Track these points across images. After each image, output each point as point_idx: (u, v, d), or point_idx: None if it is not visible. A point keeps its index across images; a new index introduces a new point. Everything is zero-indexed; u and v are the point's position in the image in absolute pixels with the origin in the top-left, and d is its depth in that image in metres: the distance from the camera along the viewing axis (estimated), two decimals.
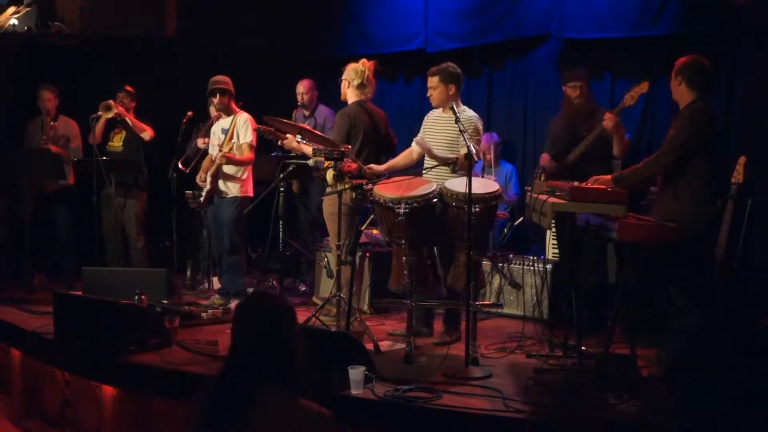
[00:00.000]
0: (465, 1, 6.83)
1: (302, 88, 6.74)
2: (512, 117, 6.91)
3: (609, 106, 5.97)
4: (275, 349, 2.28)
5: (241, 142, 5.63)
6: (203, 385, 2.35)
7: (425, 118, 5.03)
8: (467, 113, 4.77)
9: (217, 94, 5.63)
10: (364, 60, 5.30)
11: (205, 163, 5.78)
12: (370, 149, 5.26)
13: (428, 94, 4.86)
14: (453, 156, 4.67)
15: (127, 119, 6.56)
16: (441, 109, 4.88)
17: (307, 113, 6.74)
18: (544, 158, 5.34)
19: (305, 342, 2.37)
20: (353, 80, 5.26)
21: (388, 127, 5.57)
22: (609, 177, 4.25)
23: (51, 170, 6.42)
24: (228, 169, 5.65)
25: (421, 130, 5.02)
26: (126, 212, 6.66)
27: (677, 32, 5.69)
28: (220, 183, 5.66)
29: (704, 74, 4.22)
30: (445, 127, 4.82)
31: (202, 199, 5.75)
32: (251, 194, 5.75)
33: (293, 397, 2.23)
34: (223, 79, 5.66)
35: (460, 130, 4.35)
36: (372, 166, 5.07)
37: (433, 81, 4.80)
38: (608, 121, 4.74)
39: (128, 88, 6.69)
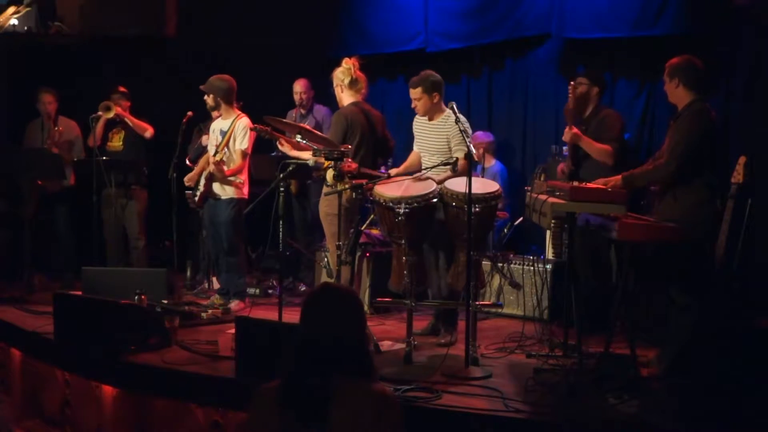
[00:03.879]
0: (465, 1, 6.83)
1: (299, 87, 6.73)
2: (512, 117, 6.91)
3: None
4: (346, 338, 2.28)
5: (236, 147, 5.59)
6: (271, 386, 2.32)
7: (414, 122, 5.04)
8: (452, 118, 4.79)
9: (204, 94, 5.64)
10: (345, 59, 5.34)
11: (202, 161, 5.77)
12: (367, 150, 5.27)
13: (413, 105, 4.88)
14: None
15: (127, 119, 6.56)
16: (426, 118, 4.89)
17: (303, 112, 6.74)
18: (558, 169, 5.31)
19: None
20: (343, 81, 5.29)
21: (385, 128, 5.58)
22: (620, 177, 4.26)
23: (51, 171, 6.43)
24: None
25: (415, 137, 5.03)
26: (127, 212, 6.65)
27: (677, 32, 5.68)
28: (216, 185, 5.63)
29: (699, 74, 4.22)
30: (435, 130, 4.83)
31: (196, 199, 5.74)
32: (247, 195, 5.73)
33: (366, 382, 2.24)
34: (211, 81, 5.62)
35: (460, 131, 4.36)
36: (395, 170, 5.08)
37: (416, 93, 4.81)
38: (566, 135, 4.78)
39: (122, 89, 6.68)
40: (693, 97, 4.20)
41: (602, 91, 5.25)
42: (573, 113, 5.16)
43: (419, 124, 4.99)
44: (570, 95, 5.16)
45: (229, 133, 5.58)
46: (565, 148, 5.63)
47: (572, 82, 5.18)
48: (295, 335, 2.36)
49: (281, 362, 2.39)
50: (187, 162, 6.32)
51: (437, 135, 4.82)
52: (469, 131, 4.84)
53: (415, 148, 5.10)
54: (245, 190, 5.71)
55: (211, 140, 5.75)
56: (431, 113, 4.84)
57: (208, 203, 5.72)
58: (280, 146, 5.50)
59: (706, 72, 4.27)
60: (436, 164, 4.71)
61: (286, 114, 6.78)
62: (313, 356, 2.26)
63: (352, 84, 5.29)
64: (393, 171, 5.13)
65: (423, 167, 4.90)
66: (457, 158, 4.57)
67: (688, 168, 4.09)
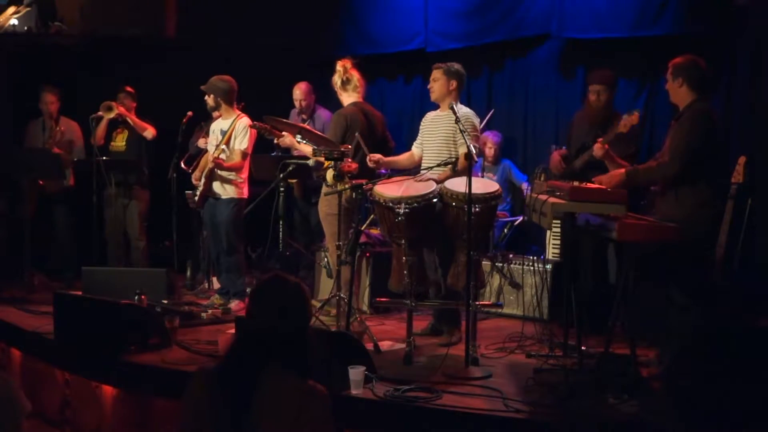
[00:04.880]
0: (465, 1, 6.83)
1: (299, 93, 6.59)
2: (512, 117, 6.91)
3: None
4: (289, 332, 2.29)
5: (236, 147, 5.58)
6: (208, 367, 2.36)
7: (423, 120, 5.04)
8: (463, 110, 4.77)
9: (205, 94, 5.65)
10: (338, 62, 5.39)
11: (203, 161, 5.78)
12: (366, 150, 5.27)
13: (429, 86, 4.89)
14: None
15: (129, 119, 6.56)
16: (438, 110, 4.88)
17: (305, 117, 6.65)
18: (554, 158, 5.28)
19: (313, 329, 2.39)
20: (337, 82, 5.36)
21: (384, 128, 5.59)
22: (623, 170, 4.25)
23: (52, 171, 6.43)
24: (223, 171, 5.60)
25: (419, 133, 5.03)
26: (129, 212, 6.66)
27: (677, 32, 5.68)
28: (216, 184, 5.62)
29: (702, 74, 4.22)
30: (441, 126, 4.83)
31: (196, 198, 5.74)
32: (247, 195, 5.73)
33: (294, 376, 2.25)
34: (212, 81, 5.62)
35: (460, 130, 4.36)
36: (374, 155, 5.03)
37: (436, 73, 4.83)
38: (598, 150, 4.65)
39: (128, 88, 6.70)
40: (695, 96, 4.20)
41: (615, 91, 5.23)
42: (595, 118, 5.07)
43: (428, 121, 4.97)
44: (593, 99, 5.08)
45: (229, 132, 5.57)
46: (553, 146, 5.63)
47: (591, 87, 5.11)
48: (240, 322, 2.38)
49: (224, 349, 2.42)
50: (182, 165, 6.29)
51: (444, 126, 4.81)
52: (476, 122, 4.84)
53: (414, 148, 5.08)
54: (245, 189, 5.71)
55: (211, 140, 5.75)
56: (443, 100, 4.83)
57: (208, 203, 5.72)
58: (281, 143, 5.50)
59: (708, 72, 4.28)
60: (438, 162, 4.71)
61: (288, 114, 6.77)
62: (250, 344, 2.29)
63: (345, 84, 5.33)
64: (387, 159, 5.10)
65: (424, 164, 4.90)
66: (457, 158, 4.57)
67: (690, 168, 4.09)
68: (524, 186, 6.42)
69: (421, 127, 5.05)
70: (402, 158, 5.14)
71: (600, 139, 4.64)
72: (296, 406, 2.20)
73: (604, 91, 5.08)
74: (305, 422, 2.19)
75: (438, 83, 4.81)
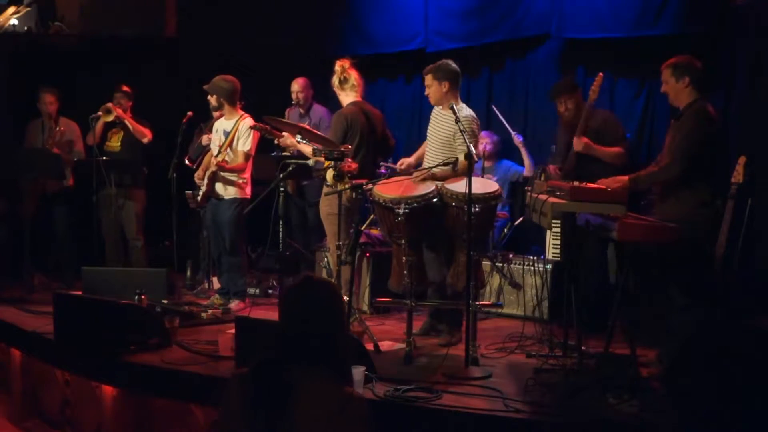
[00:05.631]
0: (465, 1, 6.83)
1: (297, 86, 6.72)
2: (512, 117, 6.89)
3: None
4: (323, 332, 2.28)
5: (240, 149, 5.58)
6: (243, 370, 2.35)
7: (432, 112, 5.06)
8: (464, 111, 4.77)
9: (208, 95, 5.65)
10: (336, 61, 5.41)
11: (206, 160, 5.78)
12: (367, 150, 5.28)
13: (426, 93, 4.91)
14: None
15: (127, 122, 6.56)
16: (441, 107, 4.89)
17: (302, 112, 6.73)
18: (551, 172, 5.32)
19: (348, 329, 2.39)
20: (335, 82, 5.38)
21: (385, 127, 5.59)
22: (626, 177, 4.26)
23: (52, 171, 6.43)
24: (226, 173, 5.61)
25: (430, 124, 5.05)
26: (125, 212, 6.66)
27: (677, 32, 5.68)
28: (219, 185, 5.63)
29: (701, 73, 4.23)
30: (442, 124, 4.83)
31: (199, 198, 5.74)
32: (249, 195, 5.73)
33: (332, 382, 2.24)
34: (215, 81, 5.62)
35: (460, 130, 4.35)
36: (404, 160, 5.17)
37: (427, 79, 4.84)
38: (576, 145, 4.82)
39: (125, 88, 6.69)
40: (696, 96, 4.20)
41: (580, 92, 5.39)
42: (572, 125, 5.19)
43: (433, 115, 4.99)
44: (562, 110, 5.29)
45: (233, 133, 5.57)
46: (553, 147, 5.66)
47: (559, 103, 5.32)
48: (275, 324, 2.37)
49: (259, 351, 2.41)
50: (186, 162, 6.32)
51: (444, 126, 4.81)
52: (477, 129, 4.85)
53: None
54: (248, 190, 5.71)
55: (214, 140, 5.76)
56: (442, 102, 4.84)
57: (210, 203, 5.72)
58: (282, 143, 5.50)
59: (705, 71, 4.28)
60: (437, 160, 4.71)
61: (284, 112, 6.78)
62: (284, 347, 2.28)
63: (343, 83, 5.34)
64: (405, 160, 5.16)
65: (425, 159, 4.90)
66: (457, 158, 4.57)
67: (691, 169, 4.09)
68: (518, 140, 6.45)
69: (431, 117, 5.07)
70: (421, 153, 5.14)
71: (575, 137, 4.75)
72: (334, 413, 2.18)
73: (567, 99, 5.28)
74: (343, 429, 2.18)
75: (432, 89, 4.83)
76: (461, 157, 4.54)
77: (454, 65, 4.83)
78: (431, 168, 4.74)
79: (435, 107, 4.98)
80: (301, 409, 2.18)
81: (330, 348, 2.29)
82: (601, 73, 4.91)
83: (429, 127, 5.00)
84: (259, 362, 2.30)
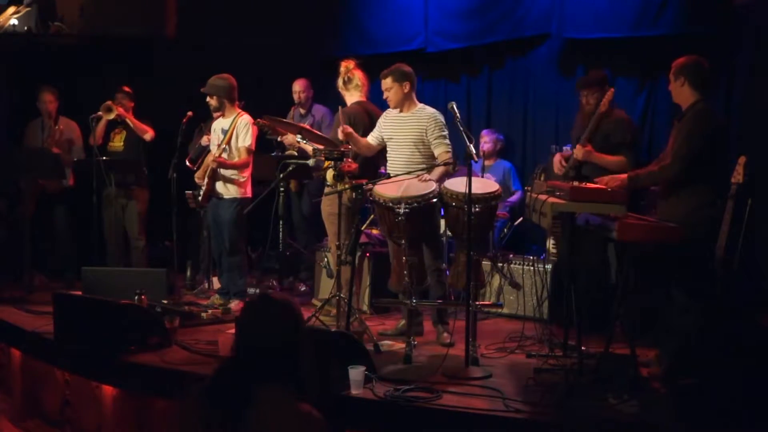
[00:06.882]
0: (465, 1, 6.83)
1: (298, 86, 6.73)
2: (512, 117, 6.91)
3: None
4: (279, 350, 2.27)
5: (240, 145, 5.58)
6: (202, 382, 2.35)
7: (383, 115, 5.06)
8: (427, 110, 4.81)
9: (207, 96, 5.64)
10: (342, 62, 5.45)
11: (207, 159, 5.78)
12: None
13: (384, 97, 4.92)
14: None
15: (128, 121, 6.56)
16: (399, 110, 4.89)
17: (303, 111, 6.74)
18: (556, 160, 5.24)
19: (312, 344, 2.36)
20: (339, 82, 5.41)
21: None
22: (625, 176, 4.25)
23: (51, 171, 6.43)
24: (226, 170, 5.60)
25: (377, 127, 5.04)
26: (128, 212, 6.66)
27: (677, 32, 5.68)
28: (219, 184, 5.63)
29: (705, 74, 4.23)
30: (410, 127, 4.85)
31: (200, 198, 5.74)
32: (250, 195, 5.73)
33: (289, 399, 2.22)
34: (211, 82, 5.61)
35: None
36: (347, 127, 5.01)
37: (386, 83, 4.86)
38: (578, 152, 4.77)
39: (126, 88, 6.69)
40: (697, 97, 4.20)
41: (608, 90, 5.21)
42: (587, 123, 5.04)
43: (389, 119, 4.98)
44: (585, 103, 5.08)
45: (231, 131, 5.57)
46: (553, 147, 5.62)
47: (582, 95, 5.11)
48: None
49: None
50: (187, 163, 6.32)
51: (411, 127, 4.83)
52: (443, 120, 4.84)
53: (370, 138, 5.08)
54: (248, 189, 5.71)
55: (213, 140, 5.75)
56: (403, 104, 4.88)
57: (211, 202, 5.72)
58: (285, 141, 5.51)
59: (710, 72, 4.28)
60: (414, 162, 4.75)
61: (286, 114, 6.78)
62: (239, 363, 2.28)
63: (347, 83, 5.37)
64: (351, 131, 5.02)
65: (390, 164, 4.91)
66: (440, 154, 4.59)
67: (692, 169, 4.09)
68: (516, 194, 6.43)
69: (380, 122, 5.05)
70: (363, 141, 5.10)
71: (579, 144, 4.71)
72: (290, 431, 2.18)
73: (591, 93, 5.07)
74: None
75: (392, 91, 4.85)
76: (442, 152, 4.66)
77: (408, 68, 4.89)
78: (429, 168, 4.74)
79: (388, 111, 4.98)
80: (255, 425, 2.17)
81: (288, 366, 2.27)
82: (612, 88, 4.84)
83: (388, 132, 4.97)
84: (215, 378, 2.30)
